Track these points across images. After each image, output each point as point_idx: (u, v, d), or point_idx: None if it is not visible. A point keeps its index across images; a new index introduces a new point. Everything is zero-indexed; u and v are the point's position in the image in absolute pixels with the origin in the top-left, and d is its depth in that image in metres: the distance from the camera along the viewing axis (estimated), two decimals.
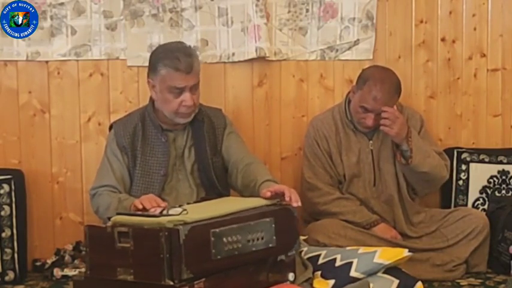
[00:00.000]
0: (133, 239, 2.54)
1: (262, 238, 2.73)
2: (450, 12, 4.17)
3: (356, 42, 4.09)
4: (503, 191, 4.08)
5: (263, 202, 2.91)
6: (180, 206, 2.82)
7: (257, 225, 2.72)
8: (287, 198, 2.93)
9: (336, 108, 3.89)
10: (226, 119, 3.56)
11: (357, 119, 3.76)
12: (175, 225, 2.50)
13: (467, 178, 4.10)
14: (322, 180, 3.79)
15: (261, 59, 4.00)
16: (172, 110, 3.32)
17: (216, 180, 3.41)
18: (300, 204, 2.92)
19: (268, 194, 2.93)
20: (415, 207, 3.85)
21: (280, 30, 4.04)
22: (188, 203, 3.01)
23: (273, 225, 2.77)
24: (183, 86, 3.26)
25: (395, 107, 3.83)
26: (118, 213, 2.74)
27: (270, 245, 2.76)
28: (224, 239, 2.60)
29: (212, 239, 2.57)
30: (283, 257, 2.82)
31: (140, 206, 2.90)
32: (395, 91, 3.69)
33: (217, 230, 2.59)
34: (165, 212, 2.69)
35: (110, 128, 3.51)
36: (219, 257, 2.59)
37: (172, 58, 3.25)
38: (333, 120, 3.84)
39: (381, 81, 3.67)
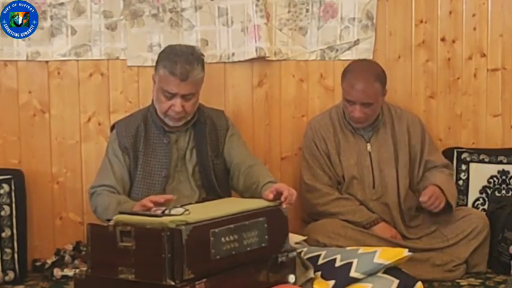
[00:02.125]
0: (135, 238, 2.54)
1: (256, 237, 2.74)
2: (450, 12, 4.17)
3: (356, 42, 4.09)
4: (503, 191, 4.08)
5: (265, 203, 2.91)
6: (182, 206, 2.83)
7: (251, 225, 2.73)
8: (283, 199, 2.94)
9: (334, 109, 3.89)
10: (228, 121, 3.57)
11: (348, 115, 3.76)
12: (177, 225, 2.51)
13: (467, 178, 4.10)
14: (321, 181, 3.79)
15: (261, 59, 4.00)
16: (162, 110, 3.35)
17: (215, 183, 3.42)
18: (288, 205, 2.94)
19: (271, 196, 2.94)
20: (412, 212, 3.83)
21: (280, 30, 4.04)
22: (190, 204, 3.01)
23: (265, 225, 2.78)
24: (175, 91, 3.27)
25: (391, 107, 3.85)
26: (120, 212, 2.74)
27: (263, 245, 2.77)
28: (222, 239, 2.61)
29: (212, 238, 2.58)
30: (283, 257, 2.82)
31: (150, 205, 2.89)
32: (375, 79, 3.67)
33: (216, 230, 2.60)
34: (167, 212, 2.70)
35: (112, 128, 3.52)
36: (218, 257, 2.60)
37: (171, 61, 3.26)
38: (331, 121, 3.85)
39: (359, 70, 3.69)
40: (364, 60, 3.90)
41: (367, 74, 3.67)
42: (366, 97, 3.64)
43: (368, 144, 3.81)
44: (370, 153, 3.81)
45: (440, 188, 3.67)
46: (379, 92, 3.69)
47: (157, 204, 2.89)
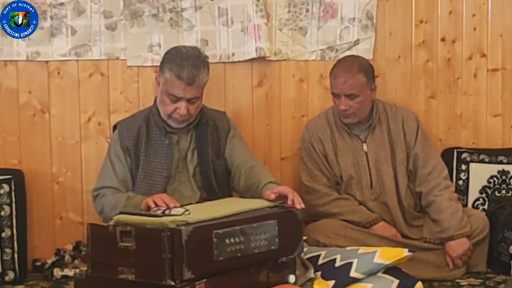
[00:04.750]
0: (135, 238, 2.54)
1: (265, 240, 2.73)
2: (450, 12, 4.17)
3: (356, 42, 4.09)
4: (503, 191, 4.08)
5: (265, 203, 2.92)
6: (182, 206, 2.83)
7: (260, 227, 2.72)
8: (290, 202, 2.94)
9: (330, 110, 3.89)
10: (230, 122, 3.57)
11: (337, 110, 3.77)
12: (177, 226, 2.51)
13: (467, 178, 4.10)
14: (320, 182, 3.79)
15: (261, 59, 4.00)
16: (166, 113, 3.34)
17: (215, 184, 3.42)
18: (303, 206, 2.93)
19: (273, 196, 2.94)
20: (413, 213, 3.82)
21: (280, 30, 4.04)
22: (191, 203, 3.01)
23: (276, 228, 2.77)
24: (181, 95, 3.27)
25: (386, 105, 3.86)
26: (121, 213, 2.74)
27: (273, 247, 2.76)
28: (227, 240, 2.61)
29: (214, 240, 2.57)
30: (283, 258, 2.81)
31: (153, 205, 2.91)
32: (357, 70, 3.67)
33: (219, 231, 2.59)
34: (167, 212, 2.70)
35: (114, 128, 3.52)
36: (221, 258, 2.59)
37: (178, 65, 3.24)
38: (327, 123, 3.85)
39: (342, 62, 3.75)
40: (351, 55, 3.92)
41: (349, 66, 3.69)
42: (349, 88, 3.65)
43: (364, 144, 3.82)
44: (366, 153, 3.81)
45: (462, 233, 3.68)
46: (364, 84, 3.68)
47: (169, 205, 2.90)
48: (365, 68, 3.71)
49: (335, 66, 3.75)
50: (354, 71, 3.66)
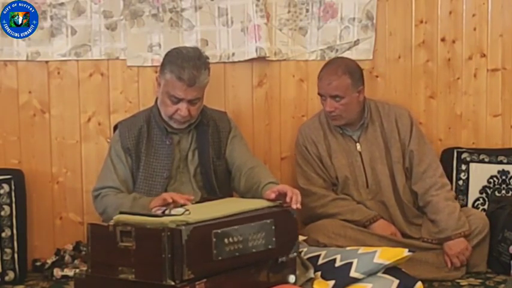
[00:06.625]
0: (135, 238, 2.54)
1: (262, 239, 2.73)
2: (450, 12, 4.17)
3: (356, 42, 4.09)
4: (503, 191, 4.07)
5: (265, 203, 2.92)
6: (182, 206, 2.83)
7: (258, 227, 2.72)
8: (288, 199, 2.94)
9: (322, 112, 3.88)
10: (231, 123, 3.57)
11: (324, 112, 3.78)
12: (177, 226, 2.51)
13: (467, 178, 4.10)
14: (316, 184, 3.79)
15: (261, 59, 4.00)
16: (167, 114, 3.34)
17: (215, 185, 3.42)
18: (299, 206, 2.93)
19: (273, 196, 2.95)
20: (414, 210, 3.83)
21: (280, 30, 4.04)
22: (191, 203, 3.02)
23: (273, 227, 2.77)
24: (181, 97, 3.27)
25: (379, 104, 3.86)
26: (121, 212, 2.74)
27: (270, 247, 2.76)
28: (225, 240, 2.61)
29: (214, 239, 2.57)
30: (284, 258, 2.82)
31: (170, 200, 2.92)
32: (343, 72, 3.67)
33: (219, 230, 2.59)
34: (167, 212, 2.70)
35: (115, 128, 3.52)
36: (220, 257, 2.59)
37: (179, 66, 3.24)
38: (320, 125, 3.86)
39: (328, 64, 3.76)
40: (339, 57, 3.94)
41: (335, 68, 3.70)
42: (333, 89, 3.66)
43: (357, 144, 3.82)
44: (360, 153, 3.81)
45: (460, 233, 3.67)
46: (349, 86, 3.68)
47: (176, 203, 2.91)
48: (351, 70, 3.70)
49: (322, 68, 3.76)
50: (339, 73, 3.66)
